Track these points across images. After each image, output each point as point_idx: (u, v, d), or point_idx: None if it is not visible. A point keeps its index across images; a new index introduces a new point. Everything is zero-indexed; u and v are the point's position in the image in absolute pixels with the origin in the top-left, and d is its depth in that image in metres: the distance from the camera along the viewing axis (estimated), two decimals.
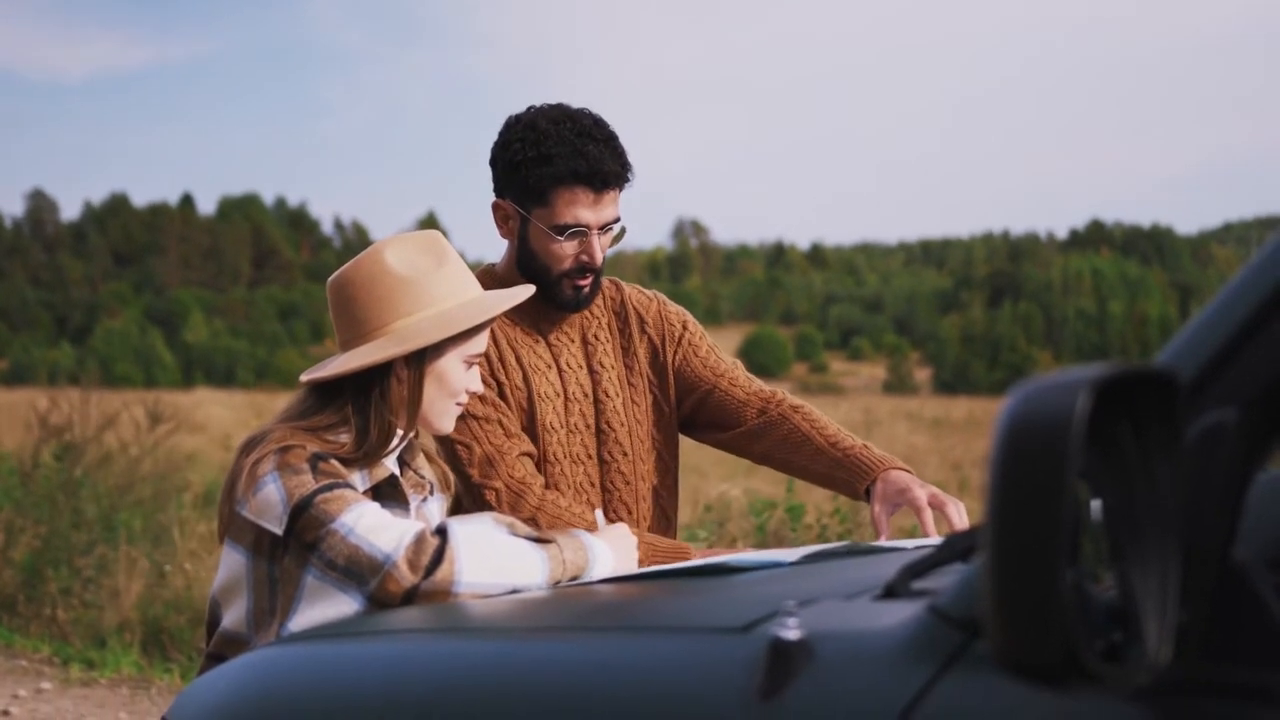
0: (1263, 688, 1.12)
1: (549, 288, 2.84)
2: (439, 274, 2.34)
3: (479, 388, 2.43)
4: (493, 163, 2.85)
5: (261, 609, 2.20)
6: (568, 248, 2.80)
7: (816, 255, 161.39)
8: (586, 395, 2.90)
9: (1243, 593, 1.15)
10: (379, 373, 2.28)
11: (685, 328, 3.06)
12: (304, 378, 2.34)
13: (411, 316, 2.30)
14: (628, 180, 2.83)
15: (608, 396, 2.93)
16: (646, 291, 3.11)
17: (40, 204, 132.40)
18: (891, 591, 1.47)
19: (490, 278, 2.91)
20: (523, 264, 2.85)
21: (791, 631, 1.33)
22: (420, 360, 2.31)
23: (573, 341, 2.92)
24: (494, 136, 2.86)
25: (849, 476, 2.89)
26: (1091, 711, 1.14)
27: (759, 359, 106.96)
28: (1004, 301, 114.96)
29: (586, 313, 2.96)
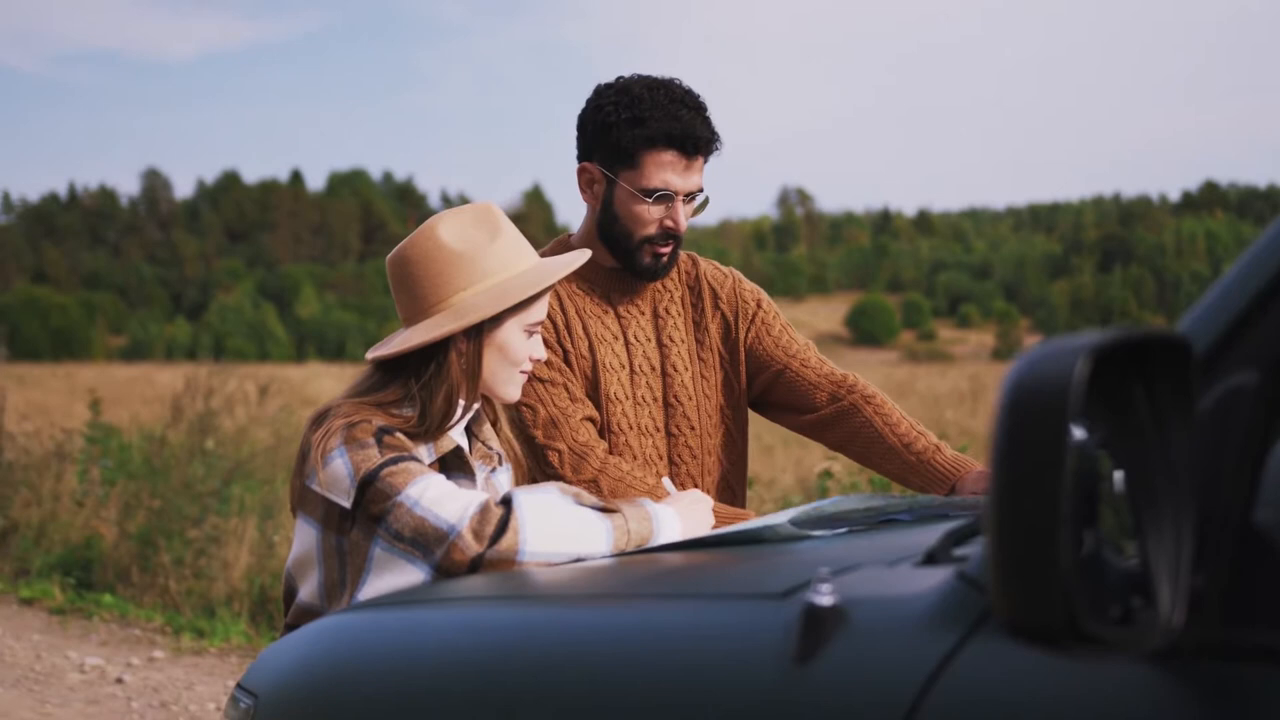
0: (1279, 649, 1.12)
1: (629, 253, 2.87)
2: (494, 246, 2.38)
3: (542, 354, 2.46)
4: (581, 126, 2.89)
5: (332, 581, 2.25)
6: (654, 211, 2.83)
7: (923, 221, 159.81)
8: (654, 368, 2.93)
9: (1265, 555, 1.15)
10: (440, 347, 2.32)
11: (759, 305, 3.07)
12: (369, 355, 2.39)
13: (468, 290, 2.34)
14: (716, 149, 2.87)
15: (676, 370, 2.95)
16: (722, 268, 3.12)
17: (155, 183, 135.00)
18: (932, 558, 1.48)
19: (563, 247, 2.95)
20: (604, 229, 2.89)
21: (825, 597, 1.36)
22: (479, 332, 2.35)
23: (643, 314, 2.95)
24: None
25: (923, 482, 2.92)
26: (1111, 673, 1.15)
27: (866, 327, 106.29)
28: (1115, 266, 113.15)
29: (659, 285, 2.99)
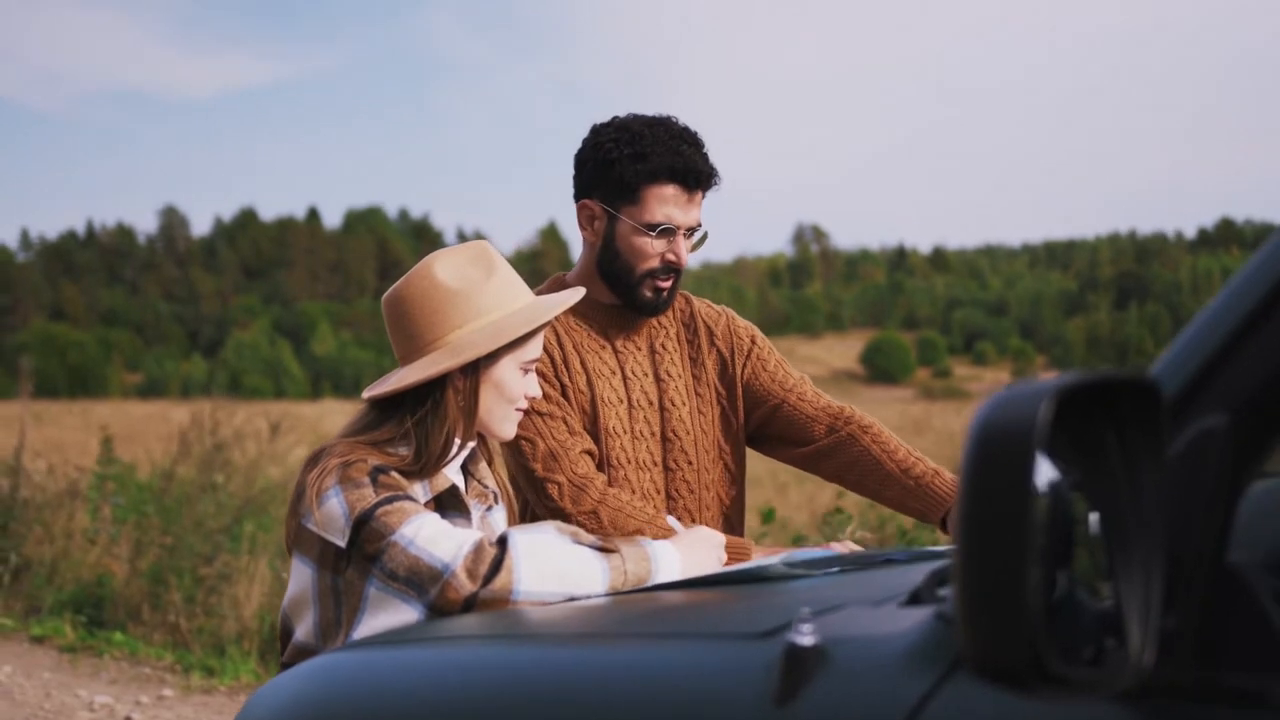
0: (1258, 691, 1.13)
1: (631, 288, 2.91)
2: (489, 284, 2.40)
3: (537, 392, 2.49)
4: (580, 163, 2.93)
5: (328, 620, 2.26)
6: (656, 245, 2.87)
7: (939, 258, 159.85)
8: (651, 403, 2.95)
9: (1239, 597, 1.16)
10: (436, 385, 2.34)
11: (754, 341, 3.11)
12: (365, 394, 2.41)
13: (464, 328, 2.36)
14: (715, 184, 2.92)
15: (673, 405, 2.97)
16: (715, 306, 3.16)
17: (172, 220, 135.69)
18: (917, 598, 1.49)
19: (559, 285, 2.98)
20: (605, 265, 2.92)
21: (806, 638, 1.36)
22: (475, 370, 2.36)
23: (640, 350, 2.97)
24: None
25: (923, 506, 2.94)
26: (1086, 713, 1.15)
27: (882, 364, 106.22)
28: (1131, 303, 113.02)
29: (654, 322, 3.02)
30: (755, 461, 3.22)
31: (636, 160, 2.82)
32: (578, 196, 2.94)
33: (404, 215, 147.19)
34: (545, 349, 2.82)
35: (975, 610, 1.01)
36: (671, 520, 2.72)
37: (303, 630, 2.32)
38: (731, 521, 3.05)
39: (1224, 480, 1.14)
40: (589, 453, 2.83)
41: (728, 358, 3.06)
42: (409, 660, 1.91)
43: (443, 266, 2.40)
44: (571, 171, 2.97)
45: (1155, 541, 1.10)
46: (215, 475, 9.86)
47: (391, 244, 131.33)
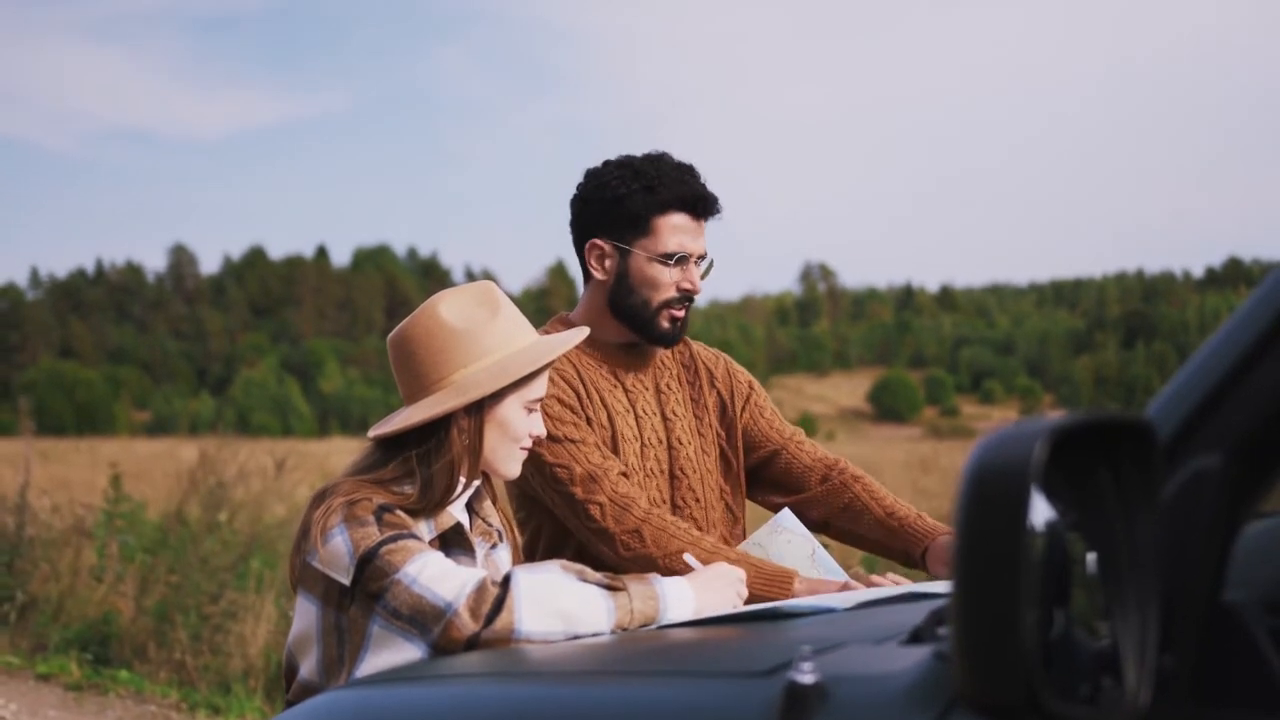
0: None
1: (648, 322, 2.94)
2: (493, 323, 2.41)
3: (542, 431, 2.50)
4: (584, 205, 2.95)
5: (331, 658, 2.27)
6: (671, 274, 2.92)
7: (946, 297, 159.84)
8: (661, 441, 2.97)
9: (1235, 636, 1.17)
10: (441, 424, 2.35)
11: (751, 388, 3.16)
12: (371, 433, 2.42)
13: (469, 367, 2.38)
14: (719, 211, 2.99)
15: (680, 444, 3.00)
16: (711, 349, 3.22)
17: (181, 258, 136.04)
18: (917, 637, 1.50)
19: (563, 325, 3.00)
20: (619, 301, 2.94)
21: (807, 676, 1.37)
22: (480, 409, 2.38)
23: (647, 389, 3.00)
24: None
25: (904, 545, 2.99)
26: None
27: (889, 403, 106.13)
28: (1138, 342, 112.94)
29: (658, 362, 3.05)
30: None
31: (647, 193, 2.87)
32: (583, 239, 2.97)
33: (412, 254, 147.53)
34: (568, 382, 2.85)
35: (971, 648, 1.02)
36: (688, 558, 2.72)
37: (307, 668, 2.33)
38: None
39: (1219, 520, 1.15)
40: (624, 473, 2.85)
41: (727, 400, 3.10)
42: (411, 698, 1.92)
43: (448, 306, 2.42)
44: (568, 218, 2.99)
45: (1151, 581, 1.11)
46: (220, 514, 9.87)
47: (399, 282, 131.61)
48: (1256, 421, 1.15)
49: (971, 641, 1.02)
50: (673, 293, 2.93)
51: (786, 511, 3.01)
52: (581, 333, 2.54)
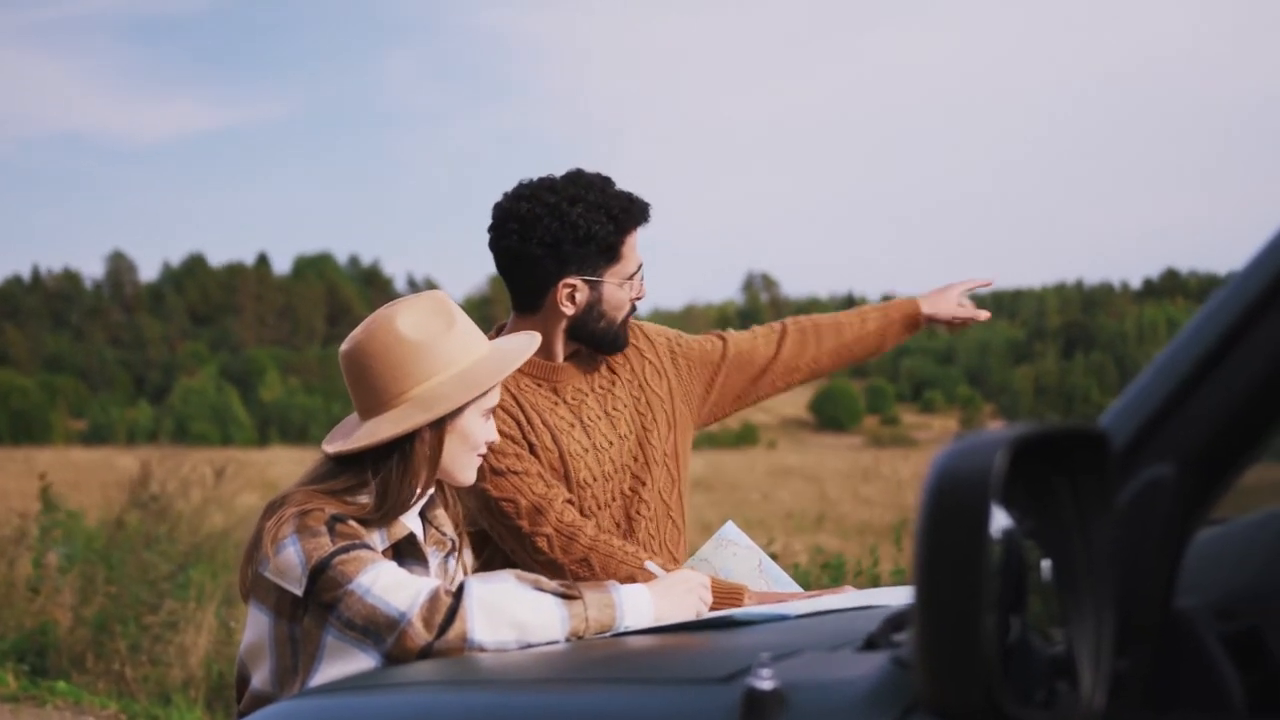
0: None
1: (612, 339, 2.98)
2: (450, 335, 2.41)
3: (495, 437, 2.51)
4: (554, 247, 2.88)
5: (285, 668, 2.27)
6: (634, 288, 2.97)
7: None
8: (611, 442, 3.00)
9: (1187, 642, 1.19)
10: (403, 437, 2.35)
11: (667, 338, 3.20)
12: (331, 450, 2.40)
13: (430, 380, 2.38)
14: None
15: (629, 433, 3.03)
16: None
17: (119, 265, 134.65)
18: (872, 643, 1.52)
19: (501, 334, 2.99)
20: (585, 328, 2.95)
21: (765, 682, 1.39)
22: (441, 421, 2.38)
23: (588, 394, 3.01)
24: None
25: (900, 316, 3.34)
26: None
27: (830, 412, 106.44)
28: (1077, 352, 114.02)
29: (589, 364, 3.06)
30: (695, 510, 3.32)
31: (611, 223, 2.89)
32: (552, 280, 2.91)
33: (354, 262, 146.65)
34: (508, 412, 2.86)
35: (932, 653, 1.04)
36: (652, 565, 2.74)
37: (259, 678, 2.33)
38: (676, 522, 3.10)
39: (1172, 527, 1.17)
40: (570, 502, 2.87)
41: (657, 363, 3.13)
42: (366, 707, 1.92)
43: (404, 319, 2.40)
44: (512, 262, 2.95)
45: (1106, 587, 1.14)
46: (159, 525, 9.79)
47: (341, 290, 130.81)
48: (1207, 431, 1.17)
49: (932, 647, 1.04)
50: (630, 306, 2.99)
51: (730, 524, 3.04)
52: (534, 339, 2.55)
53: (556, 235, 2.87)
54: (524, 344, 2.51)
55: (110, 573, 8.59)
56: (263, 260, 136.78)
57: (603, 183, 2.94)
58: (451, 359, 2.40)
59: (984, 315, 3.40)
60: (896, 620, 1.54)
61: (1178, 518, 1.17)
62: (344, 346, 2.45)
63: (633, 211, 2.93)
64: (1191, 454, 1.18)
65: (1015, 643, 1.15)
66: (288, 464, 28.58)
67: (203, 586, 8.41)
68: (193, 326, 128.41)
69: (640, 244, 3.01)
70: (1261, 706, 1.20)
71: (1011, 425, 1.09)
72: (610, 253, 2.91)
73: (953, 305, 3.38)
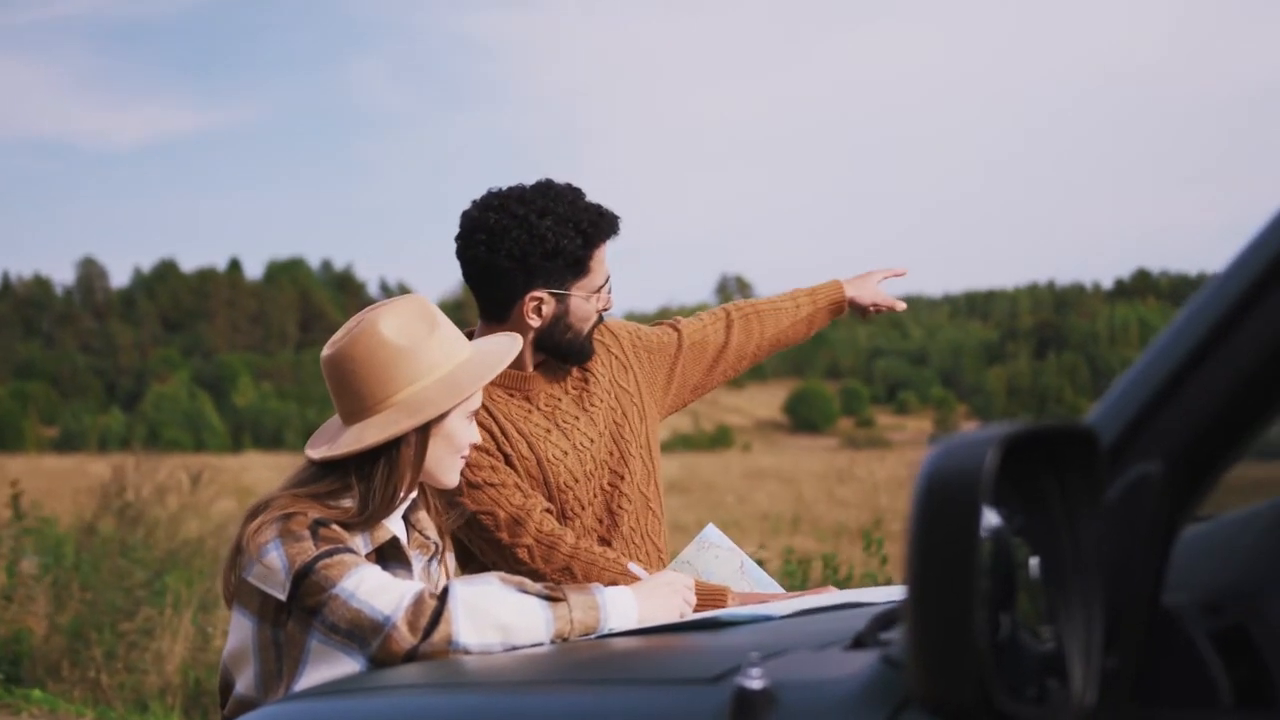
0: None
1: (579, 350, 2.99)
2: (434, 338, 2.42)
3: (478, 439, 2.52)
4: (520, 260, 2.87)
5: (269, 672, 2.27)
6: (602, 300, 2.98)
7: (861, 318, 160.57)
8: (592, 441, 3.01)
9: (1174, 638, 1.20)
10: (389, 441, 2.35)
11: (629, 331, 3.23)
12: (316, 456, 2.39)
13: (416, 385, 2.38)
14: None
15: (607, 431, 3.05)
16: None
17: (90, 271, 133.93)
18: (860, 642, 1.52)
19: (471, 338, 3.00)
20: (552, 340, 2.96)
21: (755, 681, 1.39)
22: (426, 425, 2.38)
23: (560, 399, 3.02)
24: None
25: (827, 303, 3.46)
26: None
27: (805, 414, 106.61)
28: (1049, 352, 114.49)
29: (559, 370, 3.06)
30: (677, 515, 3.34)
31: (580, 235, 2.89)
32: (519, 294, 2.91)
33: (327, 266, 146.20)
34: (482, 425, 2.85)
35: (925, 650, 1.04)
36: (635, 567, 2.75)
37: (243, 683, 2.32)
38: (655, 510, 3.11)
39: (1159, 525, 1.18)
40: (548, 510, 2.88)
41: (623, 358, 3.16)
42: (351, 711, 1.92)
43: (388, 324, 2.40)
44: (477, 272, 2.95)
45: (1095, 584, 1.14)
46: (134, 532, 9.75)
47: (314, 295, 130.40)
48: (1194, 428, 1.18)
49: (925, 644, 1.04)
50: (596, 317, 2.99)
51: (711, 527, 3.05)
52: (516, 341, 2.56)
53: (525, 248, 2.87)
54: (506, 346, 2.51)
55: (85, 579, 8.54)
56: (235, 265, 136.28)
57: (573, 195, 2.93)
58: (435, 363, 2.40)
59: (900, 305, 3.52)
60: (884, 619, 1.54)
61: (1165, 515, 1.18)
62: (326, 351, 2.44)
63: (602, 225, 2.93)
64: (1178, 451, 1.19)
65: (1005, 640, 1.15)
66: (262, 470, 28.48)
67: (178, 593, 8.38)
68: (164, 332, 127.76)
69: (612, 249, 3.01)
70: (1248, 701, 1.21)
71: (1001, 424, 1.09)
72: (578, 267, 2.91)
73: (873, 292, 3.50)
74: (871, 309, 3.51)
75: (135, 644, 7.77)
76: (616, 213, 2.98)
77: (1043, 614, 1.19)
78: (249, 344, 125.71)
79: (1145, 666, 1.19)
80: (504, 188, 2.96)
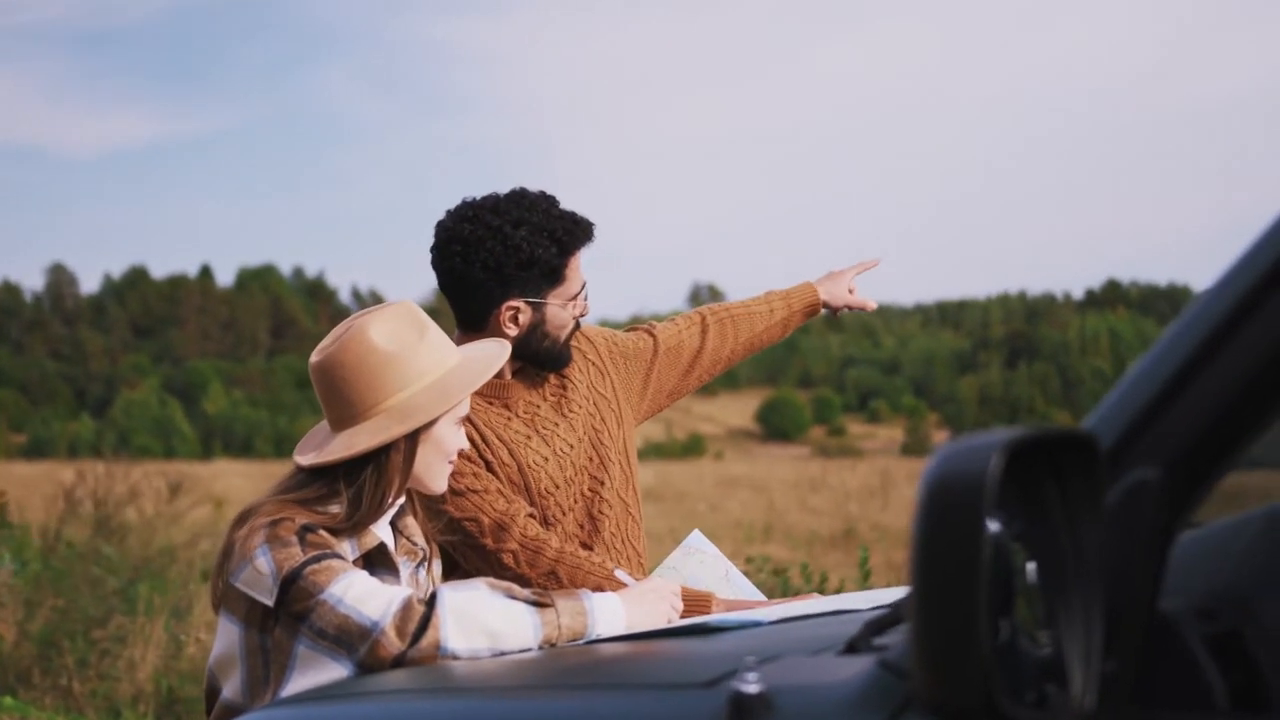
0: None
1: (556, 357, 3.00)
2: (423, 345, 2.42)
3: (467, 444, 2.53)
4: (495, 270, 2.88)
5: (255, 678, 2.26)
6: (578, 307, 2.98)
7: (833, 318, 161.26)
8: (572, 446, 3.02)
9: (1171, 642, 1.21)
10: (379, 448, 2.35)
11: (605, 338, 3.24)
12: (306, 463, 2.39)
13: (406, 391, 2.38)
14: None
15: (585, 437, 3.06)
16: None
17: (60, 278, 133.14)
18: (853, 647, 1.53)
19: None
20: (529, 348, 2.96)
21: (752, 686, 1.39)
22: (416, 431, 2.38)
23: (539, 406, 3.03)
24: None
25: (801, 306, 3.47)
26: None
27: (777, 423, 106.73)
28: (1021, 362, 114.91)
29: (537, 377, 3.07)
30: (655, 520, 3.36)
31: (555, 244, 2.89)
32: (494, 303, 2.92)
33: (298, 274, 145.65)
34: None
35: (930, 653, 1.05)
36: (621, 574, 2.76)
37: (230, 689, 2.31)
38: (634, 515, 3.12)
39: (1157, 529, 1.19)
40: (531, 515, 2.89)
41: (599, 364, 3.17)
42: (339, 717, 1.92)
43: (378, 330, 2.40)
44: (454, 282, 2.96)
45: (1095, 588, 1.15)
46: (106, 539, 9.70)
47: (285, 302, 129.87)
48: (1192, 433, 1.19)
49: (930, 647, 1.05)
50: (572, 324, 3.01)
51: (696, 533, 3.06)
52: (504, 347, 2.57)
53: (499, 258, 2.88)
54: (495, 352, 2.52)
55: (57, 586, 8.49)
56: (206, 272, 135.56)
57: (547, 203, 2.94)
58: (425, 369, 2.40)
59: (872, 305, 3.58)
60: (877, 624, 1.55)
61: (1163, 520, 1.19)
62: (315, 357, 2.44)
63: (576, 233, 2.94)
64: (1176, 456, 1.20)
65: (1003, 644, 1.16)
66: (233, 477, 28.38)
67: (151, 600, 8.34)
68: (135, 339, 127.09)
69: (587, 257, 3.02)
70: (1243, 706, 1.22)
71: (1003, 429, 1.10)
72: (554, 275, 2.92)
73: (844, 295, 3.52)
74: (847, 309, 3.54)
75: (108, 651, 7.73)
76: (591, 220, 2.99)
77: (1040, 618, 1.20)
78: (220, 351, 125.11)
79: (1142, 670, 1.19)
80: (478, 197, 2.97)
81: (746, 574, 3.14)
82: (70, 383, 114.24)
